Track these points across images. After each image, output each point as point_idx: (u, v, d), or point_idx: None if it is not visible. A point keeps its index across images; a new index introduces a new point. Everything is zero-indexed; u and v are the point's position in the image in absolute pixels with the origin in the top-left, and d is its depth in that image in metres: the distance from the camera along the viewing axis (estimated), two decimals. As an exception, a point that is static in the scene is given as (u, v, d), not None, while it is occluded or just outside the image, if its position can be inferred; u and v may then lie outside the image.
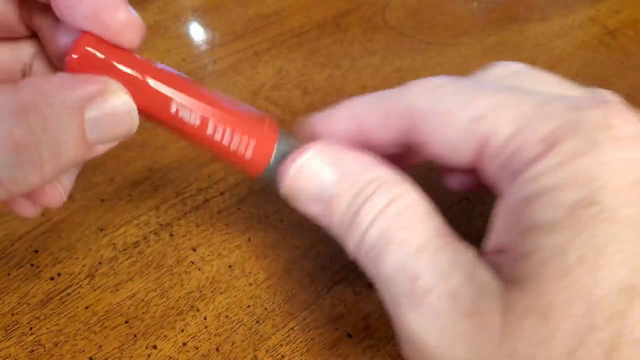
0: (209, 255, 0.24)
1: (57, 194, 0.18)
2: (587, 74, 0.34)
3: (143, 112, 0.16)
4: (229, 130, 0.16)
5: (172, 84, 0.16)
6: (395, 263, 0.15)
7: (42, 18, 0.18)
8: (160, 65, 0.16)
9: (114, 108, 0.15)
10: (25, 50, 0.20)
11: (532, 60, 0.35)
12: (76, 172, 0.19)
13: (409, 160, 0.21)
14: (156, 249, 0.24)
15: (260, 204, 0.26)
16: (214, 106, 0.16)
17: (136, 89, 0.15)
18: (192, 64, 0.34)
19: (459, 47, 0.35)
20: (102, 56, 0.15)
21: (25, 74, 0.20)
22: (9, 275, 0.23)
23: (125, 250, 0.24)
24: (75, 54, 0.15)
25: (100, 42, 0.15)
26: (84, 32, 0.15)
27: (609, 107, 0.14)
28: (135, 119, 0.16)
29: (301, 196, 0.18)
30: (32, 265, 0.24)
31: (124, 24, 0.15)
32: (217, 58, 0.34)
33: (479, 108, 0.15)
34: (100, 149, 0.16)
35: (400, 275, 0.15)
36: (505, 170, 0.15)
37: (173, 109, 0.16)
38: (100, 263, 0.24)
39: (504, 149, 0.15)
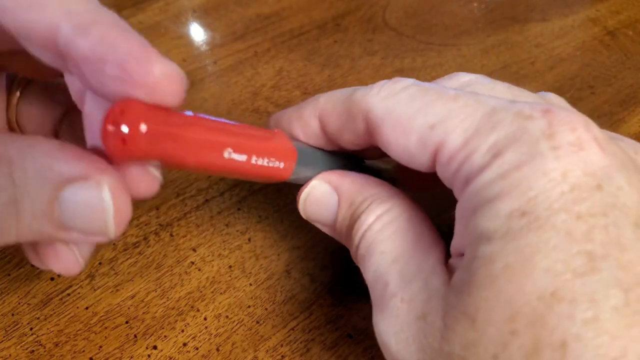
0: (208, 256, 0.24)
1: (72, 259, 0.16)
2: (586, 74, 0.34)
3: (198, 165, 0.15)
4: (266, 159, 0.17)
5: (219, 131, 0.15)
6: (374, 272, 0.17)
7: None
8: (199, 115, 0.15)
9: (88, 199, 0.13)
10: (55, 110, 0.20)
11: (531, 61, 0.35)
12: (92, 244, 0.17)
13: (379, 154, 0.21)
14: (156, 249, 0.24)
15: (260, 204, 0.26)
16: (253, 140, 0.16)
17: (192, 147, 0.14)
18: (192, 64, 0.34)
19: (458, 47, 0.35)
20: (149, 128, 0.13)
21: (54, 134, 0.20)
22: (9, 275, 0.23)
23: (125, 250, 0.24)
24: (117, 129, 0.12)
25: (147, 107, 0.13)
26: (124, 101, 0.13)
27: (553, 114, 0.14)
28: (109, 220, 0.14)
29: (314, 220, 0.20)
30: (32, 265, 0.24)
31: (161, 78, 0.13)
32: (217, 58, 0.34)
33: (434, 116, 0.15)
34: (80, 238, 0.14)
35: (376, 283, 0.17)
36: (456, 178, 0.15)
37: (225, 155, 0.15)
38: (100, 263, 0.24)
39: (454, 158, 0.15)
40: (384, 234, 0.17)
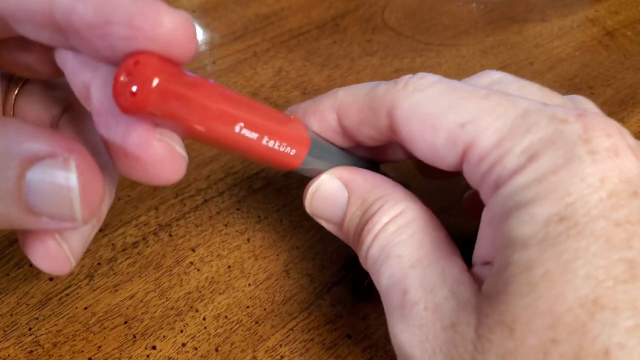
0: (207, 256, 0.24)
1: (63, 256, 0.16)
2: (585, 75, 0.34)
3: (207, 136, 0.14)
4: (277, 142, 0.16)
5: (233, 102, 0.14)
6: (390, 277, 0.16)
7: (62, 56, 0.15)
8: (211, 81, 0.14)
9: (54, 179, 0.12)
10: (57, 100, 0.19)
11: (531, 61, 0.35)
12: (87, 235, 0.17)
13: (397, 154, 0.21)
14: (155, 249, 0.24)
15: (259, 204, 0.26)
16: (266, 119, 0.16)
17: (206, 112, 0.14)
18: (191, 64, 0.34)
19: (458, 48, 0.35)
20: (164, 85, 0.12)
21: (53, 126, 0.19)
22: (8, 275, 0.23)
23: (124, 250, 0.24)
24: (132, 85, 0.12)
25: (161, 62, 0.12)
26: (138, 55, 0.12)
27: (588, 118, 0.14)
28: (75, 201, 0.13)
29: (319, 216, 0.19)
30: (31, 265, 0.23)
31: (172, 29, 0.12)
32: (216, 58, 0.34)
33: (465, 114, 0.15)
34: (50, 224, 0.13)
35: (393, 289, 0.16)
36: (486, 180, 0.15)
37: (237, 129, 0.15)
38: (99, 263, 0.24)
39: (486, 158, 0.15)
40: (400, 237, 0.16)
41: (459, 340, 0.14)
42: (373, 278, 0.17)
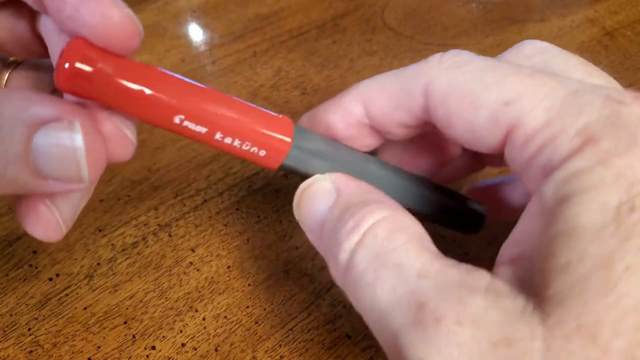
0: (207, 256, 0.24)
1: (54, 222, 0.16)
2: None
3: (145, 121, 0.15)
4: (237, 140, 0.16)
5: (174, 93, 0.15)
6: (392, 291, 0.13)
7: (47, 32, 0.17)
8: (160, 69, 0.15)
9: (60, 140, 0.13)
10: (47, 74, 0.20)
11: (530, 61, 0.35)
12: (77, 202, 0.17)
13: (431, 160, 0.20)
14: (155, 249, 0.24)
15: (259, 204, 0.26)
16: (219, 115, 0.15)
17: (133, 99, 0.14)
18: (191, 65, 0.34)
19: (457, 48, 0.35)
20: (88, 68, 0.13)
21: None
22: (7, 275, 0.23)
23: (123, 250, 0.24)
24: (62, 63, 0.13)
25: (91, 48, 0.13)
26: (73, 39, 0.13)
27: None
28: (82, 161, 0.13)
29: (302, 218, 0.17)
30: (31, 265, 0.23)
31: (117, 26, 0.13)
32: (216, 58, 0.34)
33: (509, 91, 0.14)
34: (56, 187, 0.14)
35: (400, 305, 0.13)
36: (534, 163, 0.14)
37: (176, 120, 0.15)
38: (98, 263, 0.24)
39: (533, 139, 0.14)
40: (394, 243, 0.14)
41: (520, 357, 0.12)
42: (356, 295, 0.14)
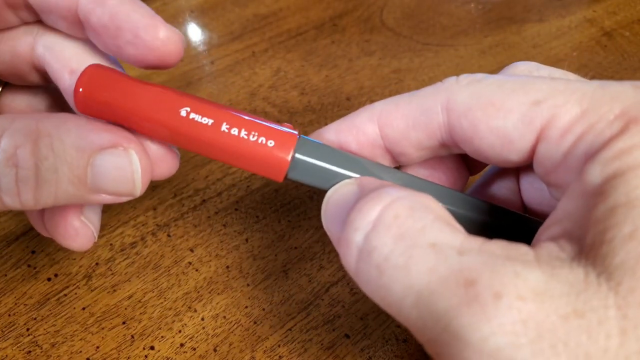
0: (206, 256, 0.24)
1: (89, 234, 0.18)
2: (584, 75, 0.34)
3: (156, 124, 0.16)
4: (243, 130, 0.16)
5: (181, 93, 0.16)
6: (431, 272, 0.12)
7: (56, 62, 0.18)
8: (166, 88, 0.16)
9: (119, 163, 0.16)
10: (41, 99, 0.21)
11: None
12: (99, 213, 0.19)
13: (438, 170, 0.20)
14: (153, 249, 0.24)
15: (258, 204, 0.26)
16: (224, 108, 0.16)
17: (145, 101, 0.16)
18: (190, 65, 0.34)
19: (456, 48, 0.35)
20: (106, 81, 0.16)
21: None
22: (6, 276, 0.23)
23: (122, 250, 0.24)
24: (81, 87, 0.15)
25: (103, 70, 0.16)
26: (88, 66, 0.16)
27: None
28: (138, 180, 0.16)
29: (328, 226, 0.16)
30: (29, 265, 0.23)
31: (165, 41, 0.16)
32: (215, 58, 0.34)
33: (537, 92, 0.15)
34: (106, 198, 0.16)
35: (446, 284, 0.12)
36: (573, 153, 0.14)
37: (183, 113, 0.16)
38: (97, 264, 0.24)
39: (571, 130, 0.14)
40: (422, 221, 0.13)
41: (594, 328, 0.11)
42: (381, 281, 0.13)
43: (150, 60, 0.17)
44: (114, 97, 0.15)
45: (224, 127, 0.15)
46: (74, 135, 0.15)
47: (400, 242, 0.13)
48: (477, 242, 0.13)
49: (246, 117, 0.16)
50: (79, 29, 0.17)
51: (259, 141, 0.16)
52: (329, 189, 0.17)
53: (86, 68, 0.16)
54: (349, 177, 0.16)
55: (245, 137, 0.16)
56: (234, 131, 0.16)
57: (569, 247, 0.13)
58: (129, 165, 0.16)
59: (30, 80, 0.20)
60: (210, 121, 0.15)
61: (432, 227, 0.13)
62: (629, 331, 0.11)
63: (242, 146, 0.16)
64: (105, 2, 0.16)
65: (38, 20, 0.18)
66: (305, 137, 0.17)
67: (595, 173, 0.13)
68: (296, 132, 0.16)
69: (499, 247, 0.13)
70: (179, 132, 0.16)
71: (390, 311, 0.13)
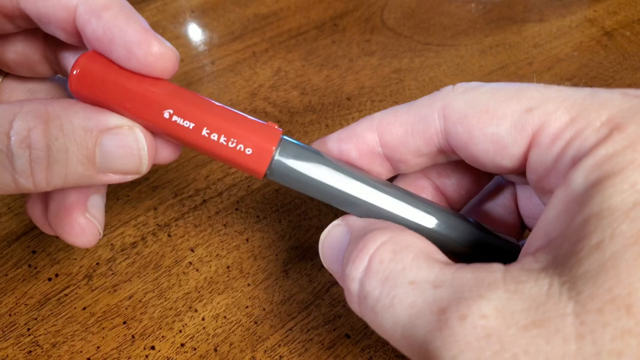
0: (206, 256, 0.24)
1: (95, 230, 0.19)
2: (584, 75, 0.34)
3: (140, 121, 0.16)
4: (223, 137, 0.16)
5: (166, 92, 0.16)
6: (411, 307, 0.14)
7: (68, 58, 0.19)
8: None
9: (125, 142, 0.16)
10: (39, 92, 0.21)
11: (529, 61, 0.35)
12: (103, 206, 0.20)
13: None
14: (154, 249, 0.24)
15: (258, 204, 0.26)
16: (208, 111, 0.16)
17: (131, 100, 0.16)
18: (190, 65, 0.34)
19: (456, 48, 0.35)
20: (97, 72, 0.16)
21: None
22: (6, 275, 0.23)
23: (123, 250, 0.24)
24: (75, 70, 0.16)
25: (99, 58, 0.16)
26: (85, 52, 0.16)
27: None
28: (144, 158, 0.17)
29: (329, 266, 0.18)
30: (30, 265, 0.23)
31: (158, 57, 0.16)
32: (215, 58, 0.34)
33: (529, 100, 0.15)
34: (114, 178, 0.17)
35: (422, 315, 0.13)
36: (562, 159, 0.14)
37: (166, 115, 0.16)
38: (97, 264, 0.24)
39: (560, 136, 0.14)
40: (402, 263, 0.15)
41: (552, 335, 0.12)
42: (377, 320, 0.15)
43: (143, 74, 0.17)
44: (103, 90, 0.16)
45: (204, 131, 0.16)
46: (81, 117, 0.16)
47: (386, 284, 0.14)
48: (451, 270, 0.14)
49: (228, 122, 0.16)
50: (78, 39, 0.17)
51: (237, 148, 0.16)
52: (308, 194, 0.17)
53: (83, 54, 0.16)
54: (327, 185, 0.17)
55: (224, 143, 0.16)
56: (214, 137, 0.16)
57: (544, 258, 0.13)
58: (135, 143, 0.16)
59: (39, 71, 0.20)
60: (192, 125, 0.16)
61: (411, 266, 0.14)
62: (586, 336, 0.11)
63: (220, 151, 0.16)
64: (100, 14, 0.16)
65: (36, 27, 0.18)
66: (287, 139, 0.17)
67: (579, 180, 0.14)
68: (279, 133, 0.17)
69: (470, 271, 0.14)
70: (162, 132, 0.17)
71: (390, 342, 0.15)
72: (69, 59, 0.20)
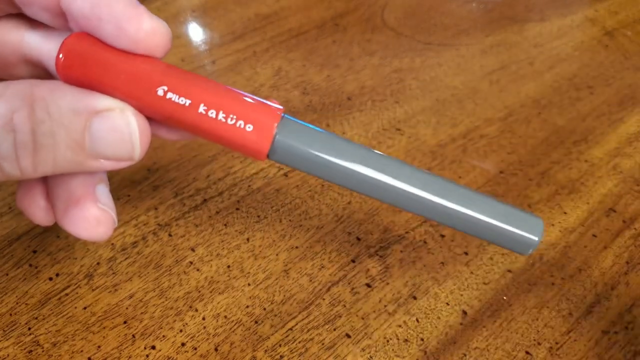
0: (207, 255, 0.24)
1: (110, 219, 0.17)
2: (585, 74, 0.34)
3: (133, 101, 0.16)
4: (221, 113, 0.15)
5: (160, 69, 0.15)
6: None
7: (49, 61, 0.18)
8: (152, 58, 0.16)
9: (116, 125, 0.15)
10: None
11: (530, 61, 0.35)
12: (109, 194, 0.18)
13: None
14: (154, 249, 0.24)
15: (259, 203, 0.26)
16: (204, 87, 0.15)
17: (122, 78, 0.15)
18: (191, 64, 0.34)
19: (457, 47, 0.35)
20: (86, 53, 0.15)
21: None
22: (7, 275, 0.23)
23: (123, 250, 0.24)
24: (62, 52, 0.15)
25: (88, 38, 0.15)
26: (72, 34, 0.15)
27: None
28: (136, 143, 0.16)
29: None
30: (31, 265, 0.23)
31: (150, 33, 0.15)
32: (216, 58, 0.34)
33: None
34: (106, 164, 0.16)
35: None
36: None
37: (160, 92, 0.15)
38: (98, 263, 0.24)
39: None
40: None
41: None
42: None
43: (135, 52, 0.16)
44: (92, 71, 0.15)
45: (202, 108, 0.15)
46: (69, 98, 0.15)
47: None
48: None
49: (226, 97, 0.15)
50: (63, 21, 0.16)
51: (237, 125, 0.15)
52: (312, 173, 0.16)
53: (69, 36, 0.15)
54: (332, 162, 0.16)
55: (223, 120, 0.15)
56: (212, 113, 0.15)
57: None
58: (126, 127, 0.15)
59: (17, 73, 0.19)
60: (188, 102, 0.15)
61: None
62: None
63: (219, 129, 0.15)
64: None
65: (20, 12, 0.17)
66: (288, 117, 0.16)
67: None
68: (280, 111, 0.16)
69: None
70: (156, 112, 0.16)
71: None
72: (50, 62, 0.18)
